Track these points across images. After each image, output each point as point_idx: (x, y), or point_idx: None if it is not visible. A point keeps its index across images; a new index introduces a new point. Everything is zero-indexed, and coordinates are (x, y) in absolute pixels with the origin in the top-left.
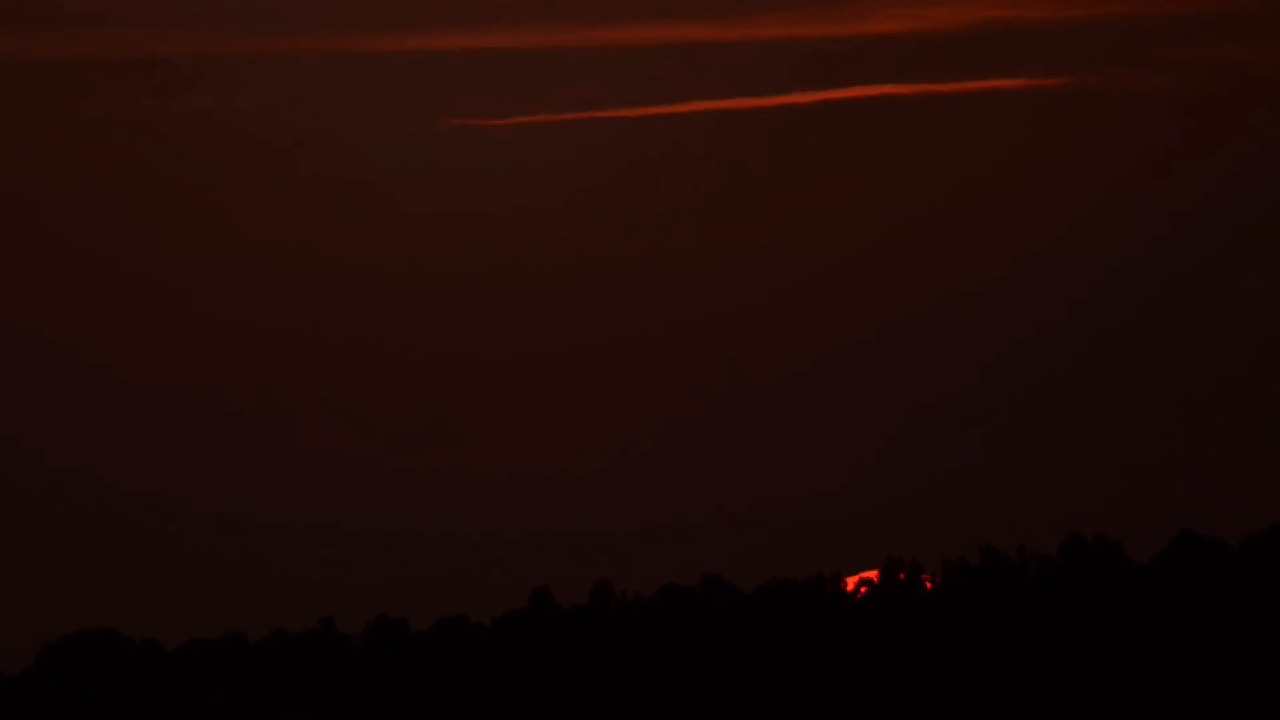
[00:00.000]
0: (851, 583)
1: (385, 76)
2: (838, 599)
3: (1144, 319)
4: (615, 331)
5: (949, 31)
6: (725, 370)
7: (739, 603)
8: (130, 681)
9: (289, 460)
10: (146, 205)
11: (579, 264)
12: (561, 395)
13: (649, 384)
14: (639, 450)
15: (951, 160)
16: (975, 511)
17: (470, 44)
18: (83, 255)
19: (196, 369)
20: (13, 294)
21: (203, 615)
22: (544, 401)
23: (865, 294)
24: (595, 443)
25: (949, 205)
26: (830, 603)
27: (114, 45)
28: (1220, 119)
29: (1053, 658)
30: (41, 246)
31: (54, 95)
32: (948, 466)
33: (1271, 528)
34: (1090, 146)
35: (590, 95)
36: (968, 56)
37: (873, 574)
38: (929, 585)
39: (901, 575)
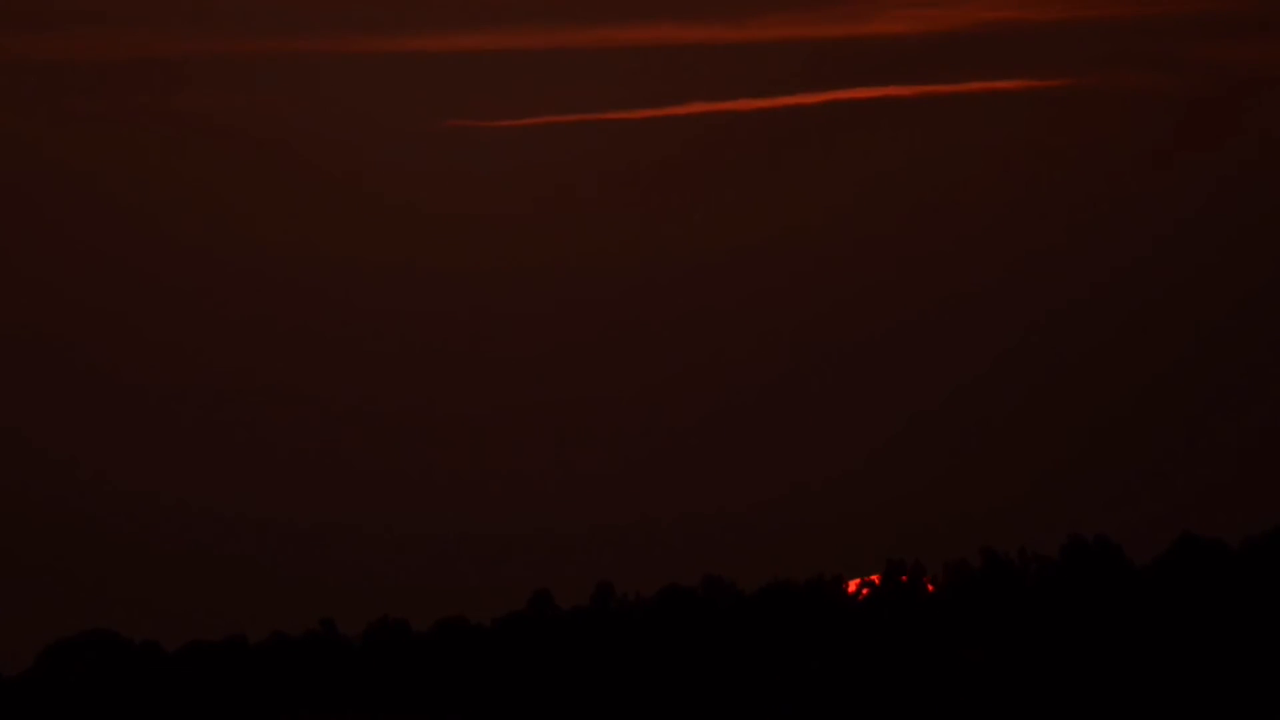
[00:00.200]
0: (853, 585)
1: (386, 77)
2: (840, 600)
3: (1144, 319)
4: (615, 329)
5: (950, 32)
6: (725, 368)
7: (741, 604)
8: (130, 683)
9: (289, 458)
10: (147, 204)
11: (580, 263)
12: (560, 392)
13: (647, 381)
14: (636, 447)
15: (952, 161)
16: (974, 512)
17: (470, 45)
18: (83, 253)
19: (195, 366)
20: (13, 292)
21: (203, 615)
22: (543, 399)
23: (866, 293)
24: (593, 440)
25: (949, 205)
26: (832, 604)
27: (115, 44)
28: (1221, 119)
29: (1053, 659)
30: (42, 245)
31: (55, 94)
32: (946, 467)
33: (1273, 529)
34: (1091, 147)
35: (591, 96)
36: (969, 57)
37: (875, 577)
38: (930, 588)
39: (904, 577)
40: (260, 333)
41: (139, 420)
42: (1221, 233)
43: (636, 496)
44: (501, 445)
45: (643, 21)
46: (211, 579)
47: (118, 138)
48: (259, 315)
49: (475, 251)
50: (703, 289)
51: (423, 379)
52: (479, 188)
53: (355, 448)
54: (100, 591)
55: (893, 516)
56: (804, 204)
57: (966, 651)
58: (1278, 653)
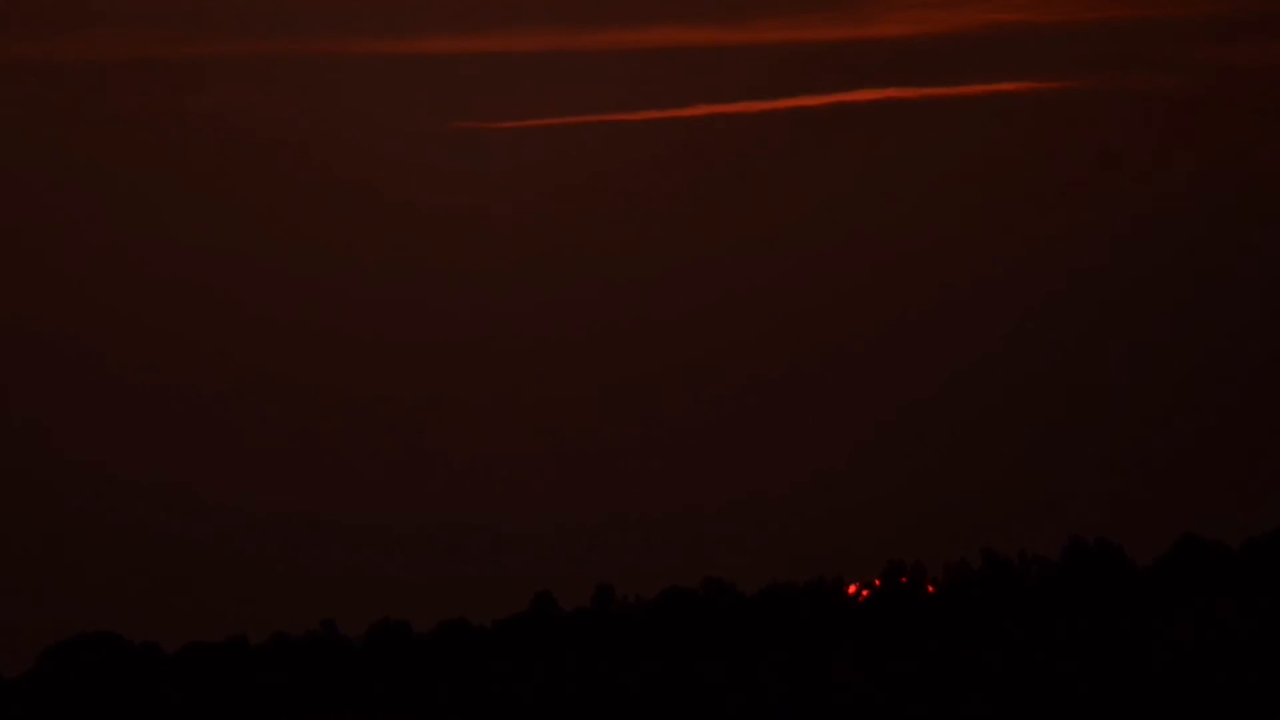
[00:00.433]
0: (853, 587)
1: (392, 79)
2: (840, 602)
3: (1144, 318)
4: (616, 327)
5: (952, 35)
6: (727, 362)
7: (741, 605)
8: (130, 684)
9: (291, 454)
10: (159, 202)
11: (582, 261)
12: (559, 390)
13: (646, 378)
14: (635, 444)
15: (954, 161)
16: (972, 512)
17: (474, 48)
18: (95, 250)
19: (198, 362)
20: (25, 288)
21: (203, 615)
22: (542, 395)
23: (867, 292)
24: (592, 438)
25: (950, 205)
26: (833, 606)
27: (128, 46)
28: (1222, 120)
29: (1054, 660)
30: (56, 242)
31: (69, 94)
32: (946, 467)
33: (1274, 530)
34: (1092, 147)
35: (595, 98)
36: (970, 59)
37: (876, 581)
38: (930, 589)
39: (904, 578)
40: (264, 328)
41: (139, 417)
42: (1222, 231)
43: (634, 494)
44: (501, 443)
45: (646, 24)
46: (212, 578)
47: (131, 137)
48: (263, 311)
49: (477, 250)
50: (704, 287)
51: (422, 375)
52: (483, 187)
53: (355, 444)
54: (100, 591)
55: (890, 514)
56: (806, 204)
57: (967, 653)
58: (1278, 653)
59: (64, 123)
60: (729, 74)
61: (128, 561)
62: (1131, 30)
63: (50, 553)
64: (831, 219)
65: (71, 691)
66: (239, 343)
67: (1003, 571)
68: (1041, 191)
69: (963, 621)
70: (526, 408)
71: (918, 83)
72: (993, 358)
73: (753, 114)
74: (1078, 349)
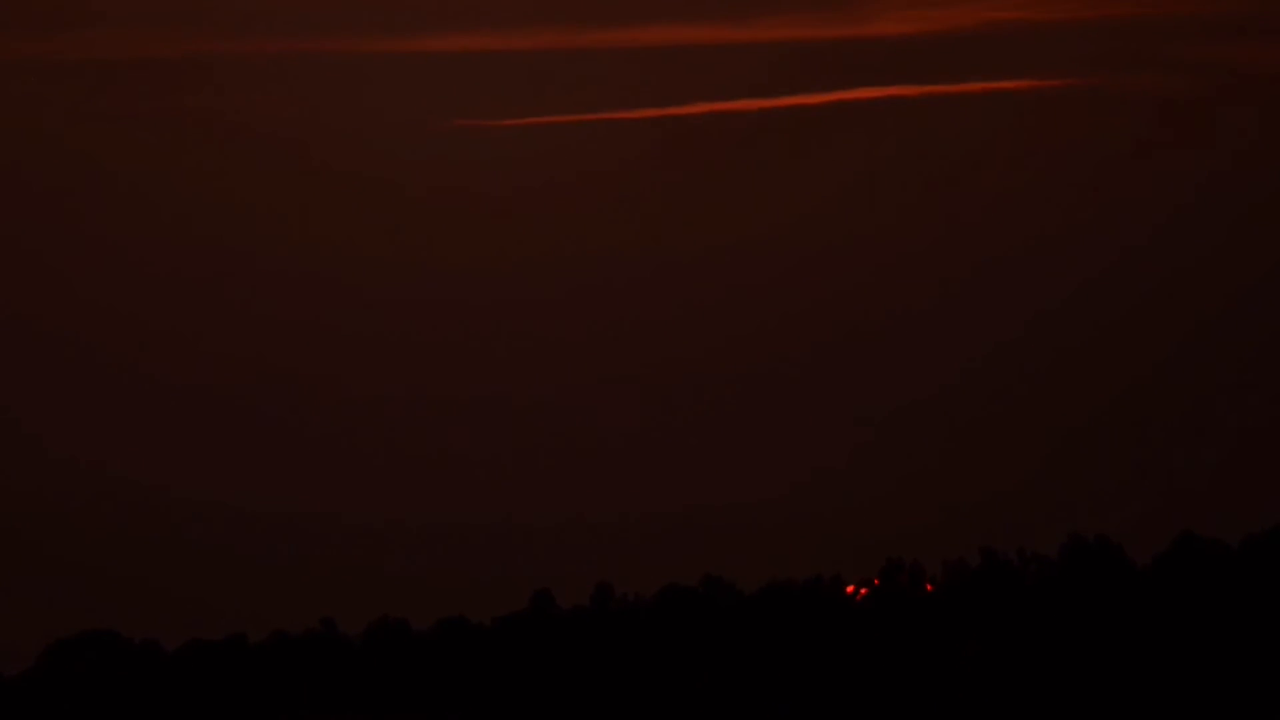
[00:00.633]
0: (851, 586)
1: (394, 77)
2: (839, 600)
3: (1144, 317)
4: (618, 324)
5: (951, 33)
6: (726, 364)
7: (741, 604)
8: (131, 682)
9: (292, 453)
10: (162, 200)
11: (582, 260)
12: (560, 387)
13: (642, 375)
14: (631, 441)
15: (954, 159)
16: (970, 510)
17: (476, 46)
18: (99, 248)
19: (200, 359)
20: (29, 287)
21: (203, 613)
22: (543, 392)
23: (868, 291)
24: (591, 435)
25: (951, 202)
26: (832, 604)
27: (129, 45)
28: (1223, 119)
29: (1053, 659)
30: (60, 240)
31: (73, 93)
32: (946, 468)
33: (1272, 528)
34: (1093, 146)
35: (596, 97)
36: (970, 58)
37: (875, 580)
38: (929, 587)
39: (903, 578)
40: (263, 327)
41: (139, 417)
42: (1222, 230)
43: (632, 494)
44: (500, 442)
45: (648, 23)
46: (212, 578)
47: (131, 136)
48: (262, 309)
49: (478, 248)
50: (704, 285)
51: (421, 376)
52: (485, 185)
53: (354, 443)
54: (100, 590)
55: (889, 513)
56: (806, 202)
57: (965, 650)
58: (1278, 652)
59: (65, 121)
60: (730, 72)
61: (128, 561)
62: (1131, 28)
63: (50, 553)
64: (831, 217)
65: (72, 689)
66: (239, 341)
67: (1002, 570)
68: (1042, 192)
69: (961, 620)
70: (527, 405)
71: (918, 81)
72: (993, 358)
73: (753, 112)
74: (1078, 349)
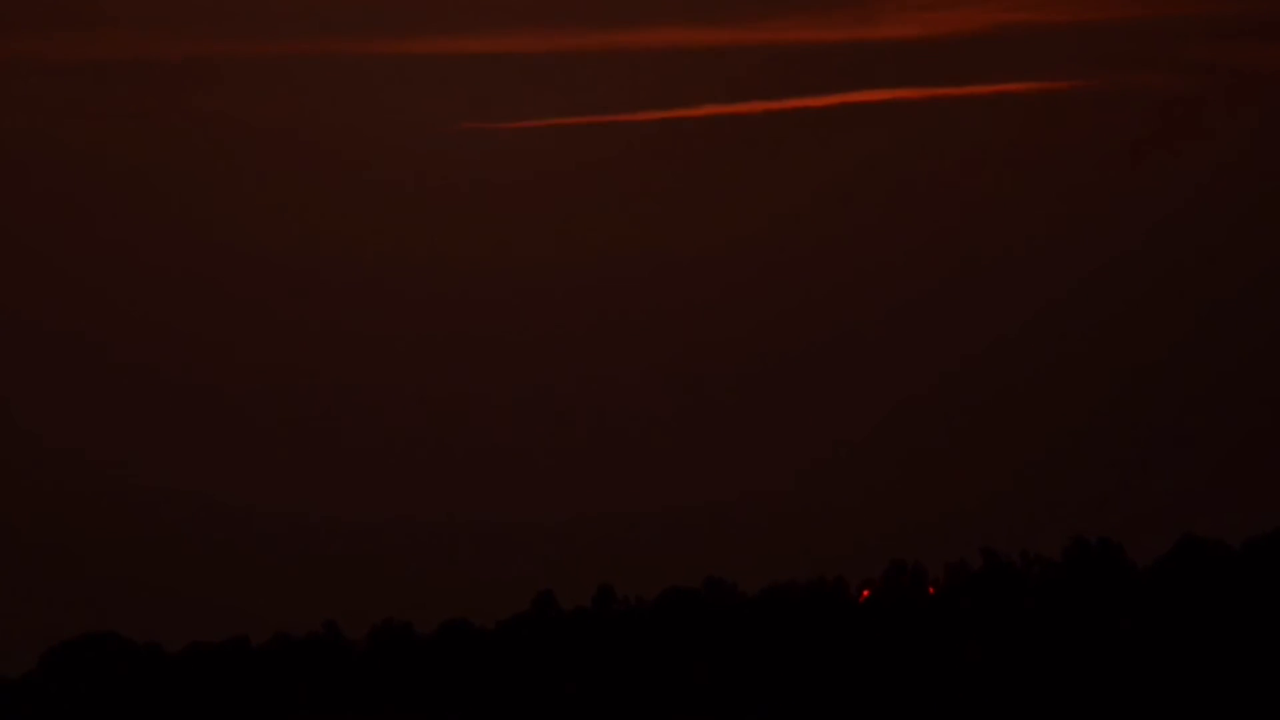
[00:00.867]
0: (854, 588)
1: (399, 79)
2: (842, 602)
3: (1146, 317)
4: (618, 325)
5: (957, 35)
6: (726, 363)
7: (743, 606)
8: (132, 684)
9: (291, 452)
10: (171, 200)
11: (585, 261)
12: (562, 384)
13: (649, 375)
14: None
15: (959, 161)
16: (971, 511)
17: (481, 49)
18: (110, 249)
19: (197, 359)
20: (41, 288)
21: (204, 614)
22: (545, 389)
23: (872, 292)
24: (589, 433)
25: (954, 206)
26: (835, 605)
27: (134, 46)
28: (1224, 119)
29: (1055, 660)
30: (66, 241)
31: (84, 94)
32: (947, 467)
33: (1275, 530)
34: (1097, 147)
35: (601, 99)
36: (976, 60)
37: (877, 581)
38: (931, 590)
39: (905, 580)
40: (263, 325)
41: (139, 417)
42: (1224, 231)
43: (633, 493)
44: (501, 441)
45: (654, 25)
46: (213, 578)
47: (137, 136)
48: (262, 307)
49: (480, 248)
50: (709, 286)
51: (422, 375)
52: (490, 187)
53: (353, 439)
54: (102, 591)
55: (891, 514)
56: (813, 203)
57: (968, 653)
58: (1278, 653)
59: (73, 122)
60: (735, 74)
61: (129, 562)
62: (1137, 30)
63: (52, 553)
64: (837, 218)
65: (73, 692)
66: (240, 339)
67: (1004, 572)
68: (1044, 192)
69: (963, 622)
70: (529, 403)
71: (923, 83)
72: (995, 358)
73: (759, 114)
74: (1078, 349)
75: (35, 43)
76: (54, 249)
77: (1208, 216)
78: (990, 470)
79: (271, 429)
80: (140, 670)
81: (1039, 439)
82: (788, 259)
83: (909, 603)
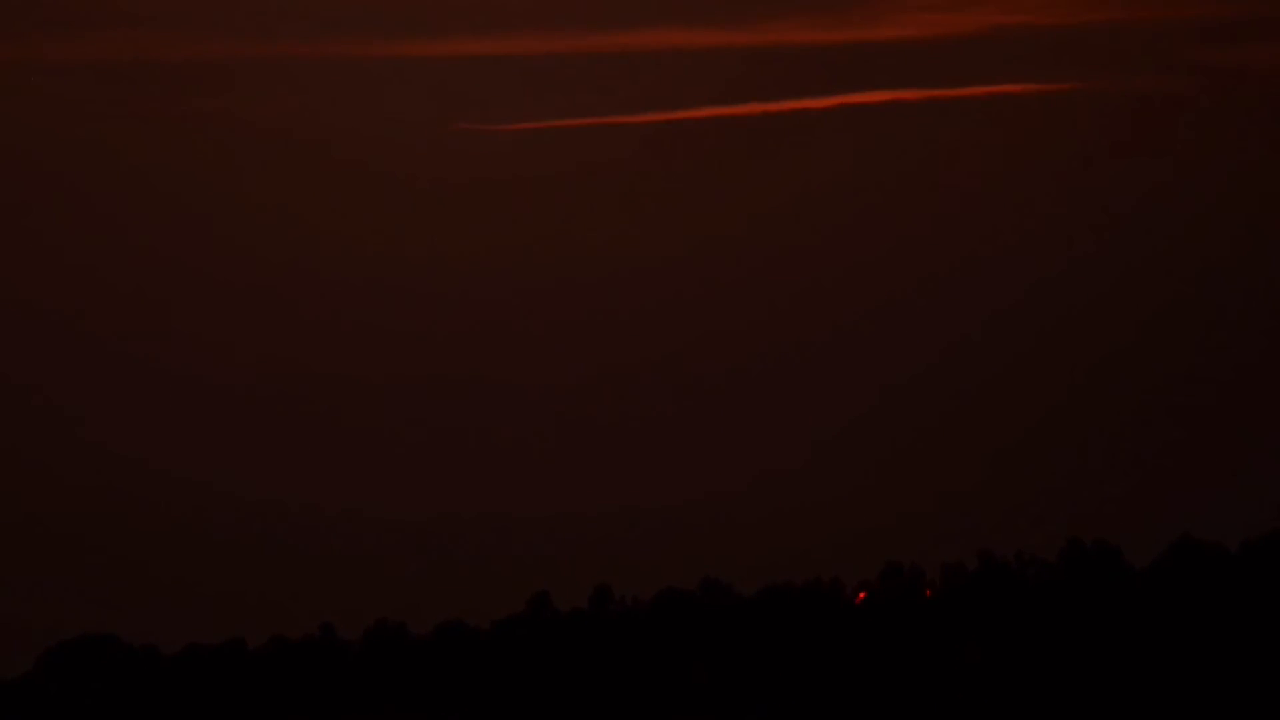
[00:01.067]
0: (850, 589)
1: (398, 81)
2: (840, 602)
3: (1144, 318)
4: (619, 324)
5: (955, 37)
6: (725, 363)
7: (740, 606)
8: (129, 686)
9: (296, 448)
10: (180, 199)
11: (586, 262)
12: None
13: (648, 375)
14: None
15: (957, 163)
16: (971, 515)
17: (478, 50)
18: (121, 247)
19: (197, 359)
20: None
21: (205, 614)
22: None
23: (869, 292)
24: (587, 431)
25: (953, 206)
26: (832, 606)
27: (141, 47)
28: (1225, 121)
29: (1053, 662)
30: (81, 238)
31: (104, 96)
32: (943, 468)
33: (1271, 532)
34: (1097, 148)
35: (599, 101)
36: (974, 61)
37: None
38: (928, 592)
39: (902, 581)
40: (261, 324)
41: (139, 417)
42: (1224, 232)
43: (630, 493)
44: (498, 440)
45: (651, 26)
46: (212, 579)
47: (146, 136)
48: (260, 307)
49: (480, 249)
50: (709, 285)
51: (422, 374)
52: (485, 188)
53: (350, 436)
54: (99, 593)
55: (888, 515)
56: (812, 204)
57: (965, 654)
58: (1277, 654)
59: (82, 123)
60: (733, 76)
61: (128, 563)
62: (1135, 32)
63: (50, 554)
64: (835, 219)
65: (71, 693)
66: (243, 335)
67: (1000, 573)
68: (1045, 192)
69: (960, 622)
70: (529, 403)
71: (922, 84)
72: (994, 358)
73: (757, 116)
74: (1078, 349)
75: (40, 43)
76: (61, 243)
77: (1207, 216)
78: (986, 470)
79: (270, 426)
80: (137, 673)
81: (1039, 439)
82: (787, 259)
83: (906, 604)
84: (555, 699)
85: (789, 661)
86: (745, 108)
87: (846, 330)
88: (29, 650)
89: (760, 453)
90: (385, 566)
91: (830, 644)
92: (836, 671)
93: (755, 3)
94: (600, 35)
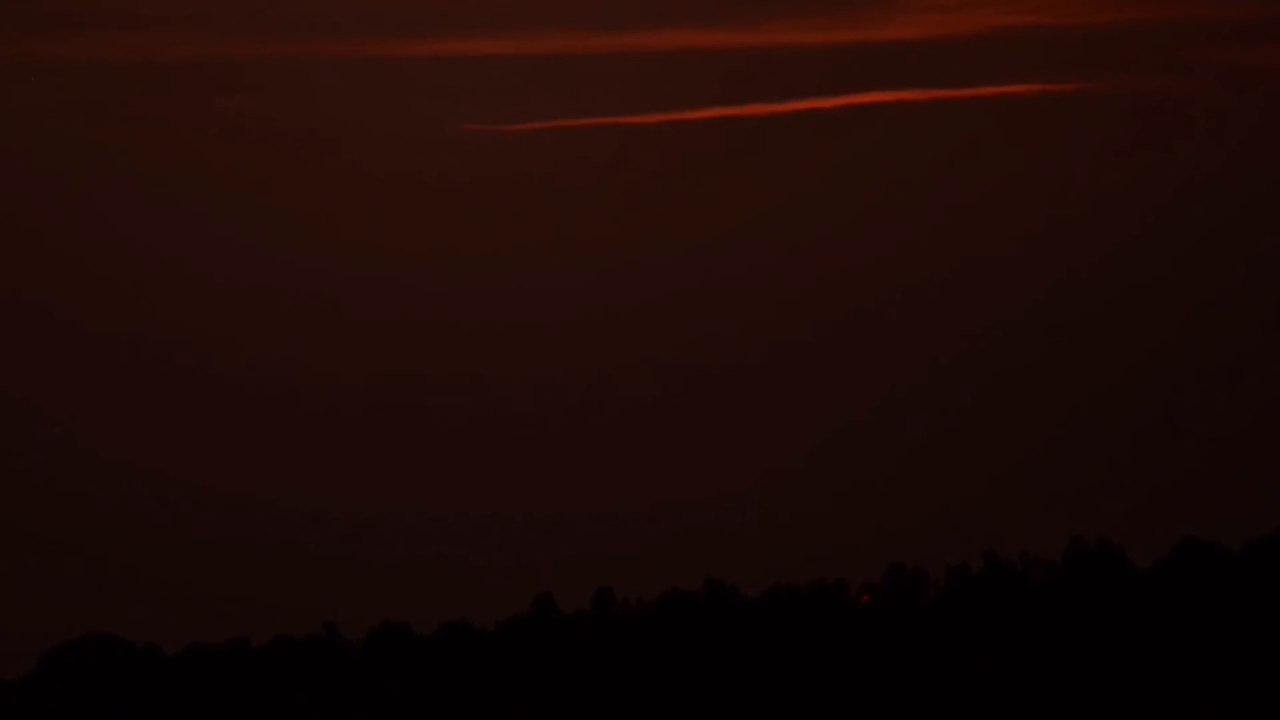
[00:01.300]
0: (854, 590)
1: (401, 81)
2: (845, 604)
3: (1145, 319)
4: (621, 326)
5: (961, 38)
6: (725, 364)
7: (744, 608)
8: (131, 686)
9: (289, 452)
10: (196, 199)
11: (588, 263)
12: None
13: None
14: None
15: (963, 164)
16: (975, 516)
17: (482, 50)
18: (134, 250)
19: (206, 347)
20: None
21: (204, 615)
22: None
23: (871, 292)
24: (587, 429)
25: (959, 206)
26: (838, 608)
27: (156, 47)
28: (1230, 121)
29: (1056, 663)
30: (92, 241)
31: (106, 96)
32: (947, 469)
33: (1274, 533)
34: (1099, 149)
35: (604, 101)
36: (980, 62)
37: (877, 583)
38: (932, 593)
39: (905, 583)
40: (262, 323)
41: (140, 417)
42: (1225, 232)
43: (631, 492)
44: (498, 439)
45: (656, 26)
46: (213, 580)
47: (160, 137)
48: (262, 305)
49: (481, 249)
50: (713, 286)
51: (422, 375)
52: (490, 189)
53: (354, 434)
54: (100, 593)
55: (891, 516)
56: (816, 205)
57: (969, 655)
58: (1278, 656)
59: (96, 124)
60: (736, 76)
61: (128, 563)
62: (1141, 33)
63: (51, 554)
64: (838, 220)
65: (72, 694)
66: (246, 334)
67: (1004, 574)
68: (1051, 194)
69: (964, 624)
70: (529, 403)
71: (926, 85)
72: (995, 358)
73: (763, 116)
74: (1078, 350)
75: (55, 45)
76: (82, 249)
77: (1206, 216)
78: (992, 473)
79: (272, 426)
80: (139, 672)
81: (1038, 439)
82: (790, 260)
83: (910, 606)
84: (559, 700)
85: (794, 664)
86: (749, 108)
87: (851, 331)
88: (30, 651)
89: (764, 454)
90: (389, 567)
91: (835, 645)
92: (841, 674)
93: (758, 3)
94: (603, 36)
